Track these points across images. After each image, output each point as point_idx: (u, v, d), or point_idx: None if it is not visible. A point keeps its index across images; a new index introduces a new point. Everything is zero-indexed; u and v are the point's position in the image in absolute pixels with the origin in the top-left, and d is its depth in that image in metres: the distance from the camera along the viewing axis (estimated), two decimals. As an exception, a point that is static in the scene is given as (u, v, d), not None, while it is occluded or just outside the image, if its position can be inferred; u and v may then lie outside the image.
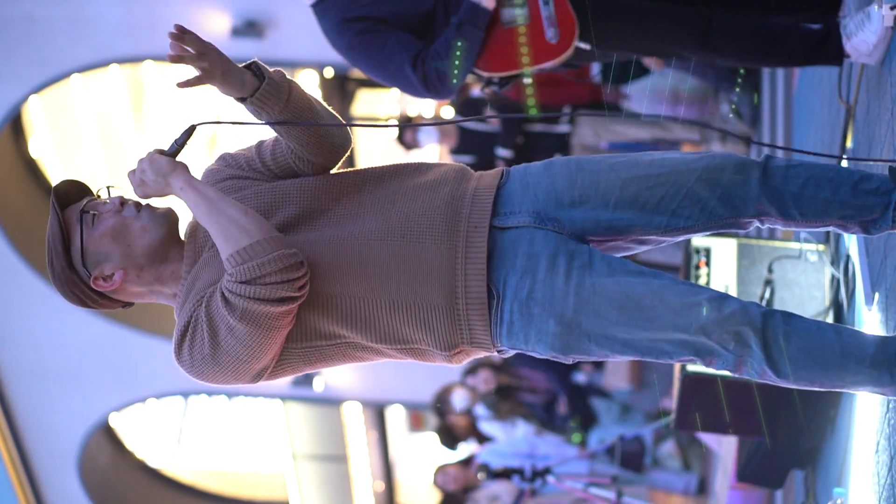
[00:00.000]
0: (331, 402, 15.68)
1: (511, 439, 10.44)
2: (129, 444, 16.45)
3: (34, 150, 14.47)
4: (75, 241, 3.18)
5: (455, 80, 4.66)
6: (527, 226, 3.18)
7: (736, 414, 5.25)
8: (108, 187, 3.26)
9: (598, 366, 10.49)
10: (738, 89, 8.36)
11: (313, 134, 3.25)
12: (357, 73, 4.63)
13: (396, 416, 17.44)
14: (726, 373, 4.46)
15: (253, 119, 3.22)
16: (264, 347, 3.06)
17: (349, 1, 4.76)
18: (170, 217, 3.22)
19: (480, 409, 10.66)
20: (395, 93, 14.69)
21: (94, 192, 3.27)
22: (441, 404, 10.71)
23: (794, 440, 5.32)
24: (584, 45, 4.73)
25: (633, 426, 10.21)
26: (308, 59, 12.58)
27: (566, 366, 10.66)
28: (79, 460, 14.82)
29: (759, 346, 3.07)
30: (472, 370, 10.70)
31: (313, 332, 3.13)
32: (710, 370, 5.08)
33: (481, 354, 3.24)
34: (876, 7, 4.19)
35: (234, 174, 3.31)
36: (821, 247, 5.18)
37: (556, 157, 3.32)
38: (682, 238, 3.33)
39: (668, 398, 9.46)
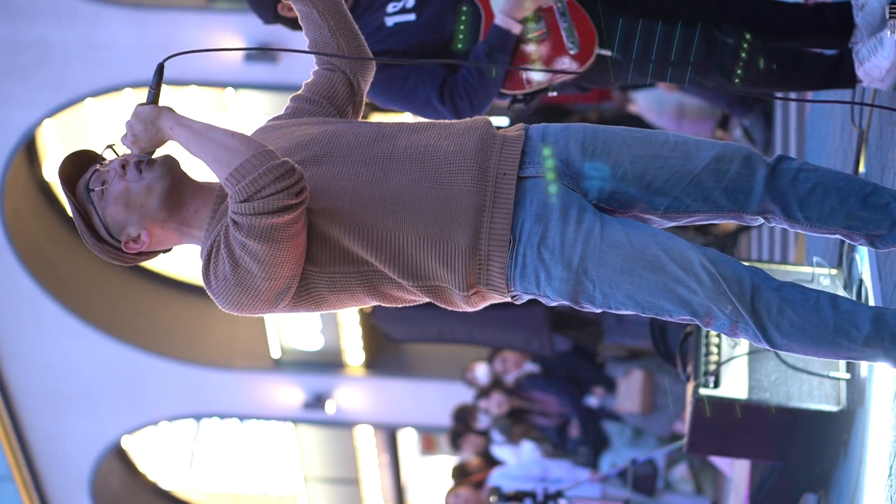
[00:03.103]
0: (343, 425, 15.69)
1: (523, 462, 10.44)
2: (142, 467, 16.47)
3: (48, 174, 14.53)
4: (94, 219, 3.24)
5: (485, 106, 4.68)
6: (544, 176, 3.25)
7: (748, 437, 5.25)
8: (110, 146, 3.29)
9: (610, 389, 10.50)
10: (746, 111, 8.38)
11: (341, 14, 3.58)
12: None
13: (408, 440, 17.45)
14: (737, 395, 4.44)
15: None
16: (279, 260, 3.09)
17: (366, 36, 4.75)
18: (168, 163, 3.25)
19: (493, 433, 10.66)
20: (406, 117, 14.72)
21: (99, 154, 3.29)
22: (465, 417, 10.75)
23: (807, 464, 5.32)
24: (606, 52, 4.74)
25: (646, 450, 10.19)
26: (321, 83, 12.64)
27: (579, 389, 10.67)
28: (91, 483, 14.85)
29: (751, 318, 3.13)
30: (484, 393, 10.71)
31: (342, 255, 3.18)
32: (723, 394, 5.12)
33: (496, 299, 3.30)
34: (888, 33, 4.21)
35: (279, 123, 3.47)
36: (833, 271, 5.19)
37: (573, 123, 3.39)
38: (683, 222, 3.37)
39: (680, 422, 9.47)
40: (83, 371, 14.53)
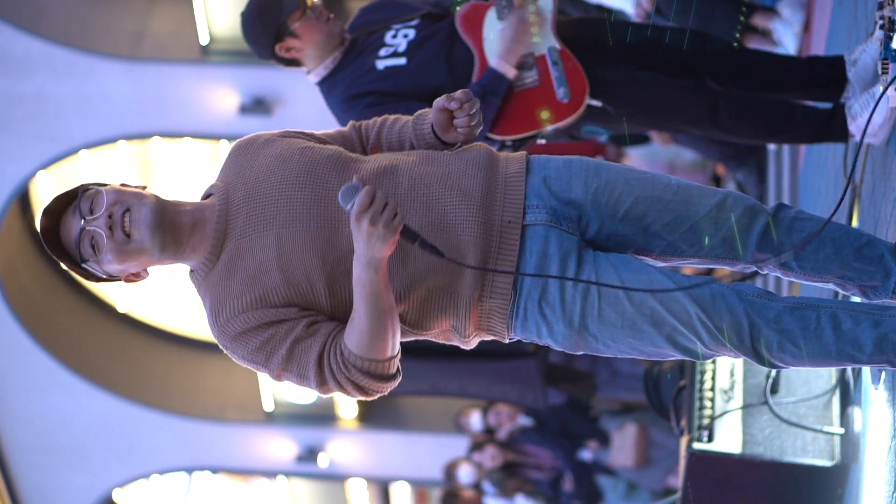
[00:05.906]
0: (335, 478, 15.63)
1: (516, 517, 10.42)
2: (133, 521, 16.39)
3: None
4: (96, 273, 3.22)
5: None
6: (543, 224, 3.23)
7: (742, 492, 5.23)
8: (85, 191, 3.18)
9: (604, 443, 10.48)
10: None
11: None
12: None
13: (401, 493, 17.37)
14: (731, 450, 4.41)
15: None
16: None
17: (356, 77, 4.79)
18: (158, 214, 3.17)
19: (486, 486, 10.63)
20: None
21: (76, 195, 3.20)
22: (447, 479, 10.71)
23: (802, 519, 5.30)
24: (596, 103, 4.76)
25: (639, 504, 10.17)
26: (315, 135, 12.67)
27: (573, 443, 10.65)
28: (82, 536, 14.77)
29: (753, 358, 3.18)
30: (478, 446, 10.68)
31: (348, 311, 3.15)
32: (717, 448, 5.10)
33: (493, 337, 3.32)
34: (881, 88, 4.23)
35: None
36: (827, 325, 5.19)
37: (576, 157, 3.37)
38: (676, 263, 3.38)
39: (673, 476, 9.44)
40: (75, 424, 14.47)
